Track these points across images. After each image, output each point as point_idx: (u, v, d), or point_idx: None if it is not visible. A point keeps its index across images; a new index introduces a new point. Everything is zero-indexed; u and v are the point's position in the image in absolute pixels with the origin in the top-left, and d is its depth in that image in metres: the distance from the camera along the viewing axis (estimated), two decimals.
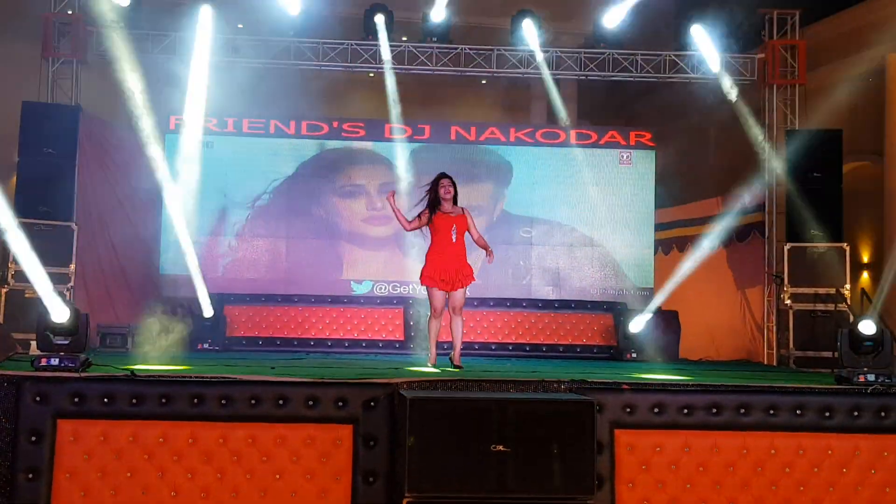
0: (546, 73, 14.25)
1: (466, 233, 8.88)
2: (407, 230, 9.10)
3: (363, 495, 6.17)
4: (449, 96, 18.26)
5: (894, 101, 16.64)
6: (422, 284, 8.95)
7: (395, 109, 14.45)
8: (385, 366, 9.50)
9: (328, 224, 15.54)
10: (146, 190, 14.65)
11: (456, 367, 8.69)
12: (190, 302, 13.48)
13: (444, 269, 8.68)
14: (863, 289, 14.78)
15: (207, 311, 12.91)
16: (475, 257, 9.42)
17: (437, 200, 8.81)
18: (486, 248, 8.95)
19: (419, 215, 8.91)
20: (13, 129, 11.81)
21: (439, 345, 9.14)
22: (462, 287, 8.80)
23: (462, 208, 8.91)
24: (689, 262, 15.22)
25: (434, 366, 8.76)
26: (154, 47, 13.48)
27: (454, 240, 8.73)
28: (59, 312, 7.15)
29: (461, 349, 8.99)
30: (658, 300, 13.54)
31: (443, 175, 8.95)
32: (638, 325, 12.99)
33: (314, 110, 15.58)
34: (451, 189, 8.80)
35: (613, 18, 13.84)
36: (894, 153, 16.61)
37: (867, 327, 7.54)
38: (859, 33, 16.76)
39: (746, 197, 14.85)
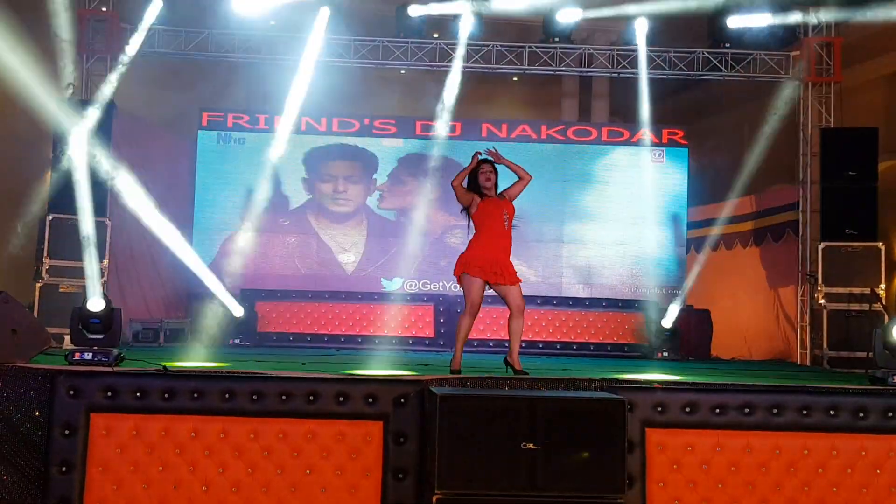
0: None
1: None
2: (454, 184, 7.91)
3: (393, 492, 6.18)
4: (480, 93, 18.24)
5: None
6: (462, 273, 7.87)
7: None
8: (415, 362, 9.52)
9: (356, 219, 15.60)
10: (178, 185, 14.78)
11: (517, 371, 7.69)
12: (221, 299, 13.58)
13: (494, 261, 7.85)
14: None
15: (237, 311, 12.98)
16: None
17: (478, 189, 7.91)
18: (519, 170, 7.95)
19: (468, 191, 7.96)
20: (48, 126, 11.91)
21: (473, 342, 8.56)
22: (517, 283, 7.90)
23: (504, 195, 7.98)
24: (722, 261, 15.17)
25: (457, 371, 7.72)
26: (187, 44, 13.55)
27: (506, 227, 7.90)
28: (95, 301, 7.24)
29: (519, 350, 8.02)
30: (687, 298, 13.50)
31: (484, 160, 7.98)
32: (669, 323, 12.93)
33: (345, 107, 15.61)
34: (493, 176, 7.93)
35: (642, 21, 13.76)
36: None
37: None
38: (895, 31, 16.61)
39: (780, 195, 14.79)
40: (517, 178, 7.99)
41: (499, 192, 8.01)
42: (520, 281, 7.99)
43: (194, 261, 12.81)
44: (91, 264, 8.29)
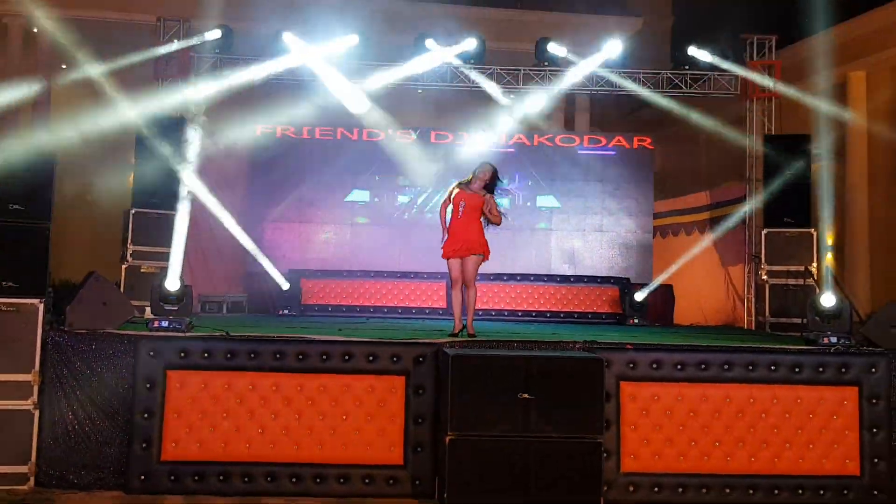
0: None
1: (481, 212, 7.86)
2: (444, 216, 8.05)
3: (413, 433, 6.22)
4: (484, 108, 18.15)
5: (855, 111, 16.40)
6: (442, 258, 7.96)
7: None
8: (431, 328, 9.53)
9: (383, 213, 15.60)
10: (237, 184, 14.78)
11: (469, 335, 7.64)
12: (273, 277, 13.60)
13: (453, 241, 7.81)
14: (827, 266, 14.54)
15: (284, 285, 12.99)
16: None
17: (470, 180, 7.89)
18: (493, 218, 7.84)
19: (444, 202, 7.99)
20: (131, 137, 11.92)
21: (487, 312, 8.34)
22: (469, 255, 7.76)
23: (486, 192, 7.83)
24: (683, 245, 15.14)
25: (456, 334, 7.74)
26: (242, 69, 13.48)
27: (460, 215, 7.79)
28: (172, 282, 7.27)
29: (474, 318, 7.97)
30: (657, 277, 13.47)
31: (486, 163, 7.95)
32: (639, 295, 12.92)
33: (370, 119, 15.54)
34: (486, 177, 7.82)
35: (616, 48, 13.63)
36: (854, 155, 16.39)
37: (827, 300, 7.47)
38: (826, 55, 16.52)
39: (730, 191, 14.74)
40: (492, 217, 7.87)
41: (485, 191, 7.88)
42: (475, 251, 7.81)
43: (250, 245, 12.84)
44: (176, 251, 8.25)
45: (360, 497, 6.08)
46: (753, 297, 13.21)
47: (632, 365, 6.32)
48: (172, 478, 6.04)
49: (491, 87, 13.95)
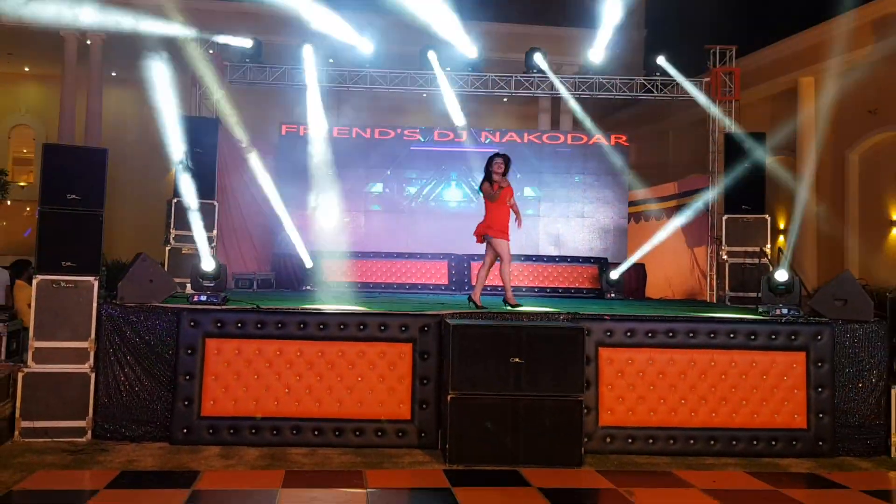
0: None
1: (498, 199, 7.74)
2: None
3: (419, 392, 6.24)
4: (480, 110, 18.12)
5: (804, 112, 16.34)
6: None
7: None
8: (435, 301, 9.54)
9: (393, 202, 15.58)
10: (265, 176, 14.73)
11: (477, 306, 7.52)
12: (297, 257, 13.60)
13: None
14: (779, 247, 14.54)
15: (308, 263, 12.97)
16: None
17: (489, 176, 7.66)
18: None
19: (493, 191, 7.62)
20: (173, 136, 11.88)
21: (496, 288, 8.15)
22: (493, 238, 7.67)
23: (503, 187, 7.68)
24: (654, 229, 15.11)
25: (472, 301, 7.64)
26: (270, 76, 13.48)
27: (509, 203, 7.69)
28: (208, 263, 7.27)
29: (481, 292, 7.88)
30: (631, 257, 13.45)
31: (497, 154, 7.77)
32: (616, 273, 12.91)
33: (384, 120, 15.53)
34: (503, 166, 7.67)
35: (597, 55, 13.56)
36: (803, 150, 16.34)
37: (781, 275, 7.46)
38: (779, 63, 16.46)
39: (695, 181, 14.69)
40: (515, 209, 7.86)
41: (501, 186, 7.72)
42: (493, 235, 7.72)
43: (279, 228, 12.81)
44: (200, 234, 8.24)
45: (373, 447, 6.11)
46: (715, 275, 13.21)
47: (609, 333, 6.34)
48: (211, 431, 6.07)
49: (486, 92, 13.87)
